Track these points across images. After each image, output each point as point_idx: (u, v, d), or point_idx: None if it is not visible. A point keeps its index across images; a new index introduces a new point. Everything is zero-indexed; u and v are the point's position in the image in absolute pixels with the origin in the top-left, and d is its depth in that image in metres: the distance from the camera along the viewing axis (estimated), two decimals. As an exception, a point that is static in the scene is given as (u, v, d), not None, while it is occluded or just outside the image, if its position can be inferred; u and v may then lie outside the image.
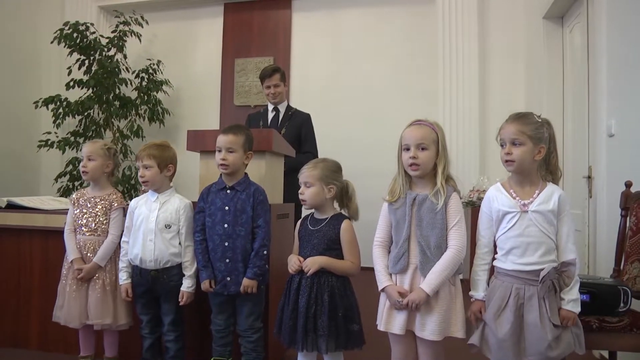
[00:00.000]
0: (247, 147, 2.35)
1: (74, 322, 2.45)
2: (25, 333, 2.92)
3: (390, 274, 1.95)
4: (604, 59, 3.09)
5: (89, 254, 2.48)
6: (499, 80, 5.29)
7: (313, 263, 2.06)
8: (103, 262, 2.47)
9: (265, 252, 2.30)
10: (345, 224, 2.12)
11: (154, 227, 2.38)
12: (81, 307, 2.45)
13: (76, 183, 5.63)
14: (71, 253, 2.49)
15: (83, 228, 2.51)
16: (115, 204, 2.55)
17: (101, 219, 2.52)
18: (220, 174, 2.39)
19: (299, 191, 2.16)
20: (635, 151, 2.82)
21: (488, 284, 1.91)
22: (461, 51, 5.30)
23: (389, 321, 1.92)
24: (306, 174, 2.14)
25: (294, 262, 2.12)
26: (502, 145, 1.87)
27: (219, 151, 2.32)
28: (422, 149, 1.90)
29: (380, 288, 1.95)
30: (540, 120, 1.86)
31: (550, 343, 1.72)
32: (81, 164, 2.57)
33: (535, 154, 1.82)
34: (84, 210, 2.53)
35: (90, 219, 2.51)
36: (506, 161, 1.84)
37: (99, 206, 2.53)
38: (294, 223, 2.39)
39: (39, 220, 2.92)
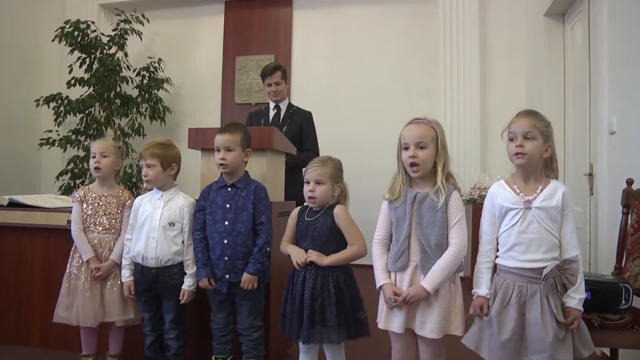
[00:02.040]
0: (246, 145, 2.35)
1: (88, 321, 2.43)
2: (27, 331, 2.93)
3: (390, 272, 1.94)
4: (605, 56, 3.08)
5: (105, 253, 2.48)
6: (500, 78, 5.29)
7: (319, 260, 2.06)
8: (120, 259, 2.48)
9: (268, 249, 2.31)
10: (337, 209, 2.13)
11: (157, 224, 2.38)
12: (96, 306, 2.44)
13: (77, 181, 5.64)
14: (86, 252, 2.47)
15: (98, 227, 2.51)
16: (129, 202, 2.56)
17: (116, 216, 2.53)
18: (221, 172, 2.39)
19: (309, 189, 2.14)
20: (636, 148, 2.82)
21: (491, 282, 1.90)
22: (462, 49, 5.29)
23: (389, 319, 1.91)
24: (318, 171, 2.13)
25: (300, 255, 2.11)
26: (511, 139, 1.85)
27: (218, 150, 2.32)
28: (421, 147, 1.89)
29: (377, 286, 1.95)
30: (547, 120, 1.87)
31: (552, 343, 1.71)
32: (94, 160, 2.55)
33: (543, 151, 1.83)
34: (97, 209, 2.52)
35: (104, 218, 2.51)
36: (517, 154, 1.82)
37: (113, 204, 2.54)
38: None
39: (41, 218, 2.93)
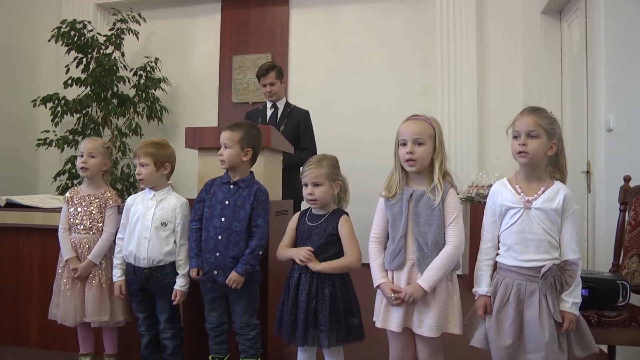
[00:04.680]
0: (245, 144, 2.33)
1: (69, 320, 2.44)
2: (25, 331, 2.93)
3: (387, 271, 1.94)
4: (602, 53, 3.08)
5: (84, 253, 2.48)
6: (497, 76, 5.29)
7: (312, 264, 2.05)
8: (98, 260, 2.47)
9: (260, 252, 2.29)
10: (343, 219, 2.12)
11: (150, 224, 2.38)
12: (76, 305, 2.44)
13: (75, 181, 5.63)
14: (66, 252, 2.49)
15: (78, 226, 2.50)
16: (110, 202, 2.55)
17: (96, 217, 2.52)
18: (226, 170, 2.39)
19: (308, 192, 2.13)
20: (634, 146, 2.82)
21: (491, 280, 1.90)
22: (459, 47, 5.30)
23: (386, 318, 1.90)
24: (315, 173, 2.11)
25: (304, 252, 2.06)
26: (515, 137, 1.84)
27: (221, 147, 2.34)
28: (419, 144, 1.87)
29: (375, 285, 1.94)
30: (553, 117, 1.85)
31: (549, 342, 1.71)
32: (80, 160, 2.54)
33: (548, 149, 1.81)
34: (79, 209, 2.52)
35: (85, 218, 2.51)
36: (520, 152, 1.81)
37: (94, 204, 2.53)
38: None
39: (38, 218, 2.92)
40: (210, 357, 2.36)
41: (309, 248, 2.09)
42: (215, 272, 2.27)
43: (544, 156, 1.82)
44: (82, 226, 2.50)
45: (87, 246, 2.49)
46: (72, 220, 2.52)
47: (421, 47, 5.56)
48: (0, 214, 2.99)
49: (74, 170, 5.62)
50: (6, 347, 2.92)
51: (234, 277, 2.23)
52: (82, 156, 2.55)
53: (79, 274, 2.44)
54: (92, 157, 2.55)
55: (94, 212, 2.52)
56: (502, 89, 5.22)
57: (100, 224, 2.52)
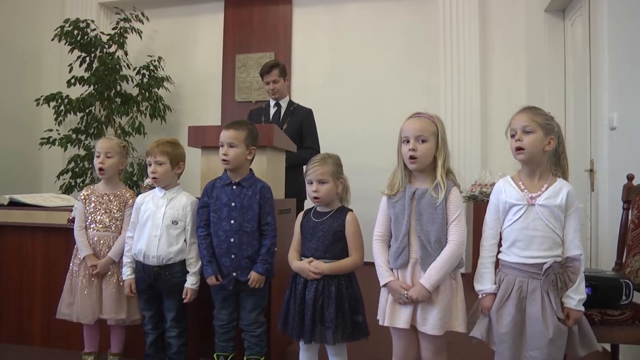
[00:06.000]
0: (250, 143, 2.33)
1: (87, 318, 2.45)
2: (29, 329, 2.94)
3: (392, 269, 1.94)
4: (605, 51, 3.08)
5: (103, 250, 2.48)
6: (500, 74, 5.29)
7: (319, 267, 2.07)
8: (117, 257, 2.48)
9: (275, 249, 2.32)
10: (350, 216, 2.13)
11: (160, 223, 2.38)
12: (93, 303, 2.45)
13: (78, 180, 5.65)
14: (84, 250, 2.48)
15: (98, 224, 2.51)
16: (130, 201, 2.55)
17: (116, 215, 2.53)
18: (225, 169, 2.38)
19: (312, 189, 2.13)
20: (637, 144, 2.81)
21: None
22: (462, 45, 5.29)
23: (393, 316, 1.90)
24: (320, 170, 2.11)
25: (310, 272, 2.08)
26: (512, 136, 1.85)
27: (222, 146, 2.32)
28: (422, 141, 1.87)
29: (382, 283, 1.94)
30: (550, 115, 1.86)
31: (552, 339, 1.71)
32: (98, 160, 2.53)
33: (545, 145, 1.81)
34: (98, 207, 2.53)
35: (104, 216, 2.52)
36: (517, 149, 1.82)
37: (114, 203, 2.54)
38: (295, 218, 2.39)
39: (41, 217, 2.93)
40: (215, 355, 2.36)
41: (311, 260, 2.09)
42: (235, 274, 2.28)
43: (543, 152, 1.82)
44: (101, 224, 2.51)
45: (106, 243, 2.50)
46: (90, 218, 2.53)
47: (424, 46, 5.56)
48: (4, 212, 3.00)
49: (77, 169, 5.64)
50: (9, 345, 2.93)
51: (255, 278, 2.26)
52: (98, 156, 2.55)
53: (98, 270, 2.44)
54: (109, 157, 2.55)
55: (114, 210, 2.53)
56: (505, 88, 5.21)
57: (120, 222, 2.53)
